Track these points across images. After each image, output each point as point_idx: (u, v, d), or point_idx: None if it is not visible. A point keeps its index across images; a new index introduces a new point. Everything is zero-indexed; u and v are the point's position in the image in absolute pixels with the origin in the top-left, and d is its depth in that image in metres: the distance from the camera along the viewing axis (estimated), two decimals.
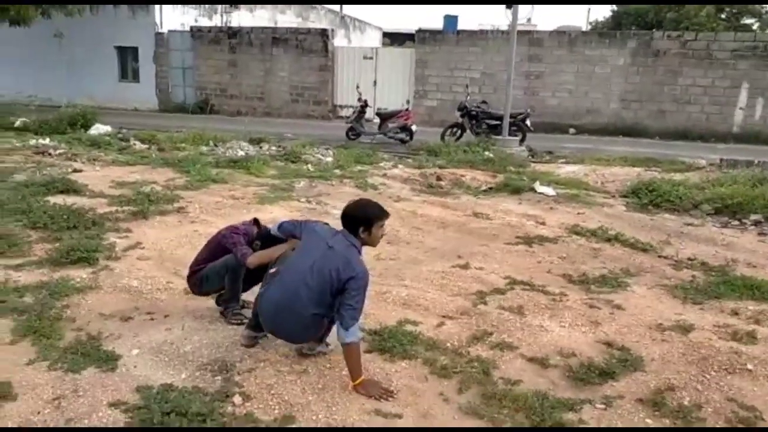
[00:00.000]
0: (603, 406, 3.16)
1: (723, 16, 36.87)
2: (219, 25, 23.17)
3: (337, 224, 3.49)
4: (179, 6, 22.70)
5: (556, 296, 4.68)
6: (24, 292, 4.26)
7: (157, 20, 21.80)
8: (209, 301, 4.31)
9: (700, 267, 5.62)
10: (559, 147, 13.97)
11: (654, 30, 17.59)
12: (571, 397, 3.25)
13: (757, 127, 15.53)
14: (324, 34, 19.83)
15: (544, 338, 3.93)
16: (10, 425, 2.77)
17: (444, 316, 4.24)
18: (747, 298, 4.78)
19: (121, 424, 2.78)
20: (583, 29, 37.46)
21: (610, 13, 41.22)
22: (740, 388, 3.36)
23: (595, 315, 4.35)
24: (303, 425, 2.89)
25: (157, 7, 21.60)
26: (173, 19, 22.20)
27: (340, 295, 3.19)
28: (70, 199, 6.82)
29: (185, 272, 4.75)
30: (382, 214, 3.38)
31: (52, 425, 2.78)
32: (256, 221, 4.15)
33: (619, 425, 3.00)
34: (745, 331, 4.08)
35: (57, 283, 4.41)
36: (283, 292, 3.27)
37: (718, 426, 3.01)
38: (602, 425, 2.99)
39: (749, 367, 3.56)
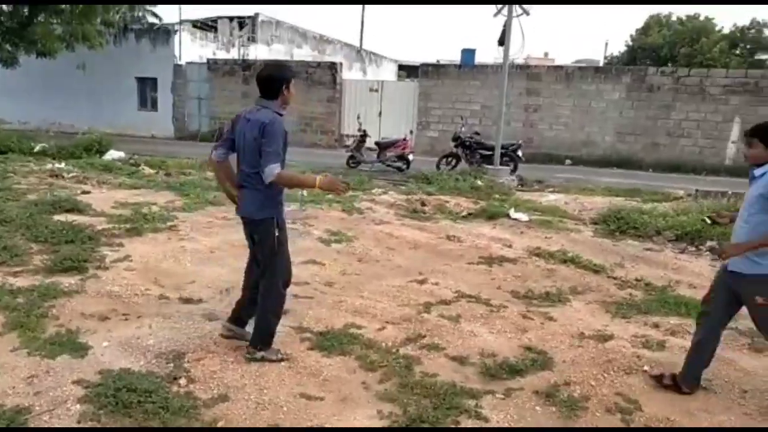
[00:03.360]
0: (502, 396, 3.62)
1: (737, 51, 37.45)
2: (236, 57, 24.21)
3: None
4: (198, 39, 23.84)
5: (495, 308, 5.15)
6: (17, 294, 4.83)
7: (177, 53, 22.87)
8: (181, 306, 4.86)
9: (643, 287, 6.03)
10: (552, 177, 14.43)
11: (649, 66, 18.07)
12: (478, 388, 3.70)
13: None
14: (333, 68, 20.66)
15: (471, 342, 4.39)
16: None
17: (387, 322, 4.72)
18: (673, 314, 5.19)
19: (79, 396, 3.30)
20: (601, 63, 38.29)
21: (626, 48, 42.18)
22: (631, 385, 3.80)
23: (526, 324, 4.80)
24: (236, 403, 3.39)
25: (176, 39, 22.70)
26: (192, 51, 23.28)
27: None
28: (73, 217, 7.44)
29: (165, 282, 5.34)
30: (292, 73, 3.82)
31: (22, 397, 3.31)
32: None
33: (511, 412, 3.45)
34: (657, 340, 4.51)
35: (47, 287, 4.97)
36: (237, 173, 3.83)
37: (597, 414, 3.44)
38: (495, 411, 3.44)
39: (646, 368, 4.00)
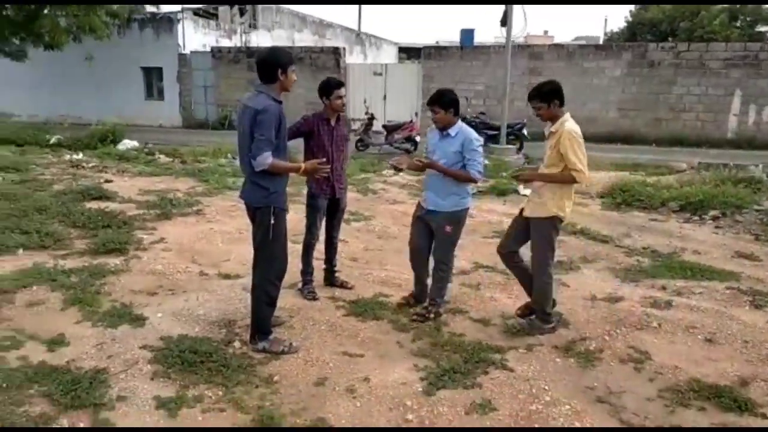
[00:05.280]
0: (524, 351, 4.00)
1: (737, 24, 37.40)
2: (238, 45, 24.41)
3: None
4: (201, 27, 24.02)
5: (511, 276, 5.49)
6: (70, 273, 5.21)
7: (180, 42, 23.05)
8: (221, 281, 5.24)
9: (650, 254, 6.39)
10: None
11: (649, 42, 18.26)
12: (502, 344, 4.08)
13: (750, 132, 16.12)
14: (336, 53, 20.88)
15: (491, 305, 4.77)
16: (65, 362, 3.68)
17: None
18: (679, 277, 5.56)
19: (148, 358, 3.69)
20: (601, 40, 38.31)
21: (625, 24, 42.09)
22: (642, 339, 4.17)
23: None
24: (287, 362, 3.77)
25: (180, 28, 22.89)
26: (195, 40, 23.45)
27: None
28: (103, 204, 7.83)
29: (201, 260, 5.73)
30: (293, 59, 3.86)
31: (97, 360, 3.69)
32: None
33: (534, 364, 3.82)
34: (665, 300, 4.88)
35: (96, 267, 5.36)
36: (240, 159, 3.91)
37: (611, 364, 3.82)
38: (519, 363, 3.81)
39: (654, 324, 4.37)
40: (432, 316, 4.51)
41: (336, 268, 5.25)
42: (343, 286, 5.15)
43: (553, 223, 4.20)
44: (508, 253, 4.46)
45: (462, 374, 3.61)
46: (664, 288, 5.26)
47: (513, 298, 4.96)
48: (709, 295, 5.05)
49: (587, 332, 4.27)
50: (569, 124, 4.00)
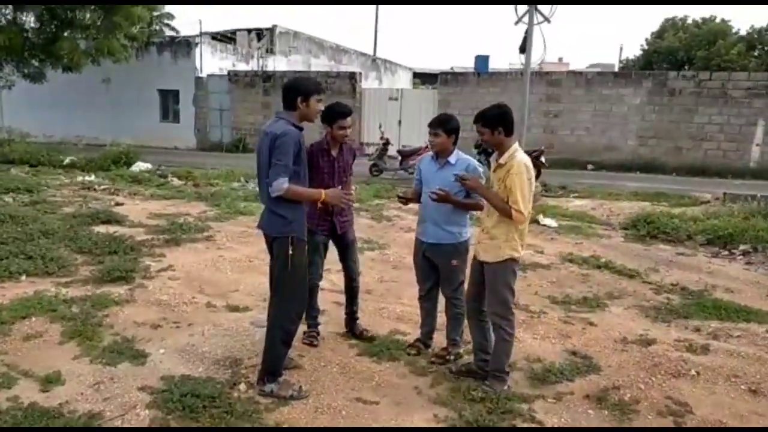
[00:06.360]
0: (553, 401, 3.68)
1: (755, 53, 37.11)
2: (255, 69, 24.51)
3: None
4: (218, 51, 24.16)
5: (536, 314, 5.21)
6: (71, 303, 4.98)
7: (197, 65, 23.19)
8: (228, 314, 4.98)
9: (679, 291, 6.06)
10: (575, 182, 14.42)
11: (669, 70, 18.05)
12: (528, 392, 3.77)
13: None
14: (352, 77, 20.86)
15: (516, 347, 4.42)
16: (59, 403, 3.43)
17: None
18: (713, 318, 5.22)
19: (147, 402, 3.43)
20: (616, 68, 38.16)
21: (641, 52, 41.92)
22: (680, 388, 3.84)
23: (568, 329, 4.86)
24: (295, 408, 3.49)
25: (197, 52, 23.03)
26: (212, 63, 23.59)
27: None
28: (112, 229, 7.65)
29: (209, 290, 5.50)
30: (320, 88, 3.68)
31: (92, 403, 3.43)
32: None
33: (564, 416, 3.51)
34: (701, 344, 4.54)
35: (99, 297, 5.13)
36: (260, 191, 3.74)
37: (649, 417, 3.50)
38: (548, 414, 3.50)
39: (693, 372, 4.05)
40: (452, 357, 4.23)
41: (356, 315, 4.78)
42: (362, 335, 4.65)
43: (511, 267, 3.77)
44: (475, 306, 3.99)
45: (486, 428, 3.30)
46: (698, 330, 4.94)
47: (538, 338, 4.66)
48: (748, 339, 4.71)
49: (620, 379, 3.95)
50: (521, 156, 3.63)
